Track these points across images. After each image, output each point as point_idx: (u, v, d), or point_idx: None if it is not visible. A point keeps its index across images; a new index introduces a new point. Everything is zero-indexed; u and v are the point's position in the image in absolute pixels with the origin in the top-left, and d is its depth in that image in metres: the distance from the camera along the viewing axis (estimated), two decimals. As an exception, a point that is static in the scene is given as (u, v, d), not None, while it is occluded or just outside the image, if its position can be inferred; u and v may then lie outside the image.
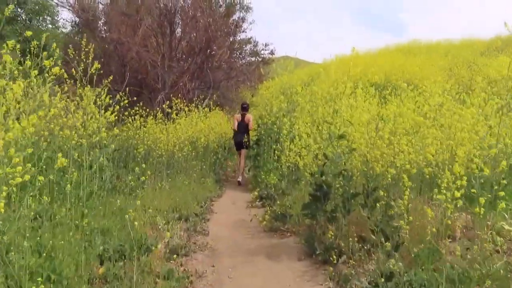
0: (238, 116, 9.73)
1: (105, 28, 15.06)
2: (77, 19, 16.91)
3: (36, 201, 4.38)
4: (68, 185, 4.79)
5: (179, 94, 12.79)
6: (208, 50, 14.37)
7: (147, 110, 8.33)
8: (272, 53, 20.57)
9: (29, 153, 3.33)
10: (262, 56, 20.14)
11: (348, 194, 4.19)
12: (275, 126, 8.28)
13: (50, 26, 12.70)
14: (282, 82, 9.04)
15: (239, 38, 19.10)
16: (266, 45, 20.47)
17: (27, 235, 3.90)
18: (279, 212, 5.13)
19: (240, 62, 18.38)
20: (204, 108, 11.32)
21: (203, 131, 9.35)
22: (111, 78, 6.23)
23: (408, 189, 3.50)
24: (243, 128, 9.55)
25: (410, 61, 14.02)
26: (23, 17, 10.91)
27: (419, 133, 4.48)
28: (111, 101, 6.40)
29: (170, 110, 8.40)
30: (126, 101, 6.24)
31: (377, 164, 4.10)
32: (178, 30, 14.85)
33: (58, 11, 16.28)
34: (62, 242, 3.93)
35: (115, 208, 5.52)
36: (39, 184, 4.60)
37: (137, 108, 8.06)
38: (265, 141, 8.53)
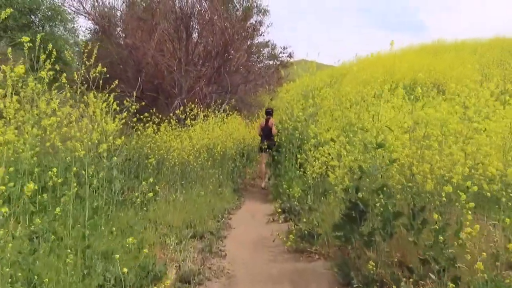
0: (262, 121, 9.58)
1: (122, 34, 14.67)
2: (94, 26, 16.69)
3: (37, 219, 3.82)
4: (67, 201, 4.29)
5: (195, 99, 12.26)
6: (225, 54, 13.81)
7: (160, 116, 7.75)
8: (290, 56, 19.95)
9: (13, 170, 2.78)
10: (280, 59, 19.56)
11: (389, 214, 3.49)
12: (296, 131, 7.60)
13: (63, 32, 12.35)
14: (303, 84, 8.36)
15: (256, 42, 18.58)
16: (284, 48, 19.86)
17: (19, 261, 3.36)
18: (305, 231, 4.44)
19: (258, 65, 17.79)
20: (221, 113, 10.74)
21: (220, 138, 8.74)
22: (116, 82, 5.70)
23: (470, 211, 2.79)
24: (267, 132, 9.24)
25: (437, 60, 13.15)
26: (36, 23, 10.56)
27: (471, 140, 3.74)
28: (118, 108, 5.88)
29: (184, 116, 7.78)
30: (134, 107, 5.67)
31: (424, 178, 3.39)
32: (195, 34, 14.36)
33: (73, 17, 16.02)
34: (57, 271, 3.37)
35: (123, 225, 4.95)
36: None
37: (149, 114, 7.54)
38: (286, 147, 7.86)
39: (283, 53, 19.92)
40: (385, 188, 3.46)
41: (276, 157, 8.42)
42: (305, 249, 4.43)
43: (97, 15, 13.87)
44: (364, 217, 3.65)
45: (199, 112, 9.97)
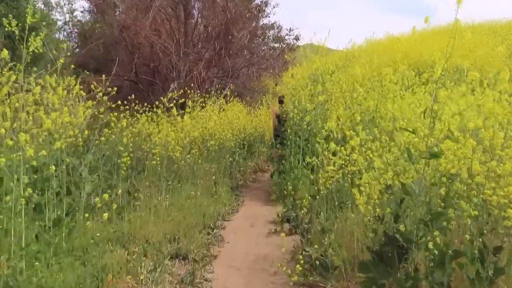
0: (276, 109, 8.64)
1: (116, 12, 13.38)
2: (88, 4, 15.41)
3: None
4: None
5: (191, 84, 11.04)
6: (227, 35, 12.50)
7: (147, 104, 6.56)
8: (297, 38, 18.50)
9: None
10: (287, 42, 18.17)
11: (444, 254, 2.32)
12: (304, 123, 6.39)
13: (40, 6, 10.95)
14: (311, 67, 7.12)
15: (261, 24, 17.19)
16: (290, 30, 18.41)
17: None
18: (316, 261, 3.28)
19: (263, 48, 16.46)
20: (220, 100, 9.54)
21: (216, 128, 7.55)
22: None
23: None
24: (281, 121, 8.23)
25: (457, 43, 11.71)
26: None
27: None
28: (85, 94, 4.69)
29: (173, 104, 6.56)
30: (100, 92, 4.50)
31: (500, 204, 2.20)
32: (194, 13, 13.05)
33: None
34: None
35: (86, 242, 3.84)
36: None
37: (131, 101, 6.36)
38: (292, 140, 6.67)
39: (290, 35, 18.53)
40: (442, 218, 2.28)
41: (280, 150, 7.23)
42: (316, 284, 3.28)
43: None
44: (405, 257, 2.48)
45: (195, 99, 8.79)
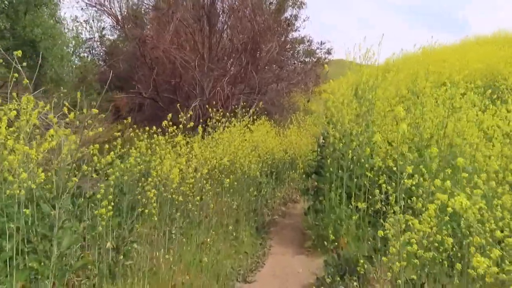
0: None
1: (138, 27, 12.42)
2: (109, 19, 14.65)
3: None
4: None
5: (214, 102, 9.81)
6: (255, 49, 11.24)
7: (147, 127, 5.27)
8: (329, 52, 17.12)
9: None
10: (318, 56, 16.79)
11: None
12: (349, 151, 4.93)
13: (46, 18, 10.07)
14: (351, 81, 5.67)
15: (291, 38, 15.93)
16: (322, 43, 17.10)
17: None
18: None
19: (293, 62, 15.14)
20: (245, 119, 8.20)
21: (238, 153, 6.18)
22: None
23: None
24: None
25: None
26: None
27: None
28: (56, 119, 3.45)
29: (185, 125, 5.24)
30: (70, 117, 3.27)
31: None
32: (219, 25, 11.88)
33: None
34: None
35: None
36: None
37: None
38: (332, 171, 5.21)
39: (321, 49, 17.19)
40: None
41: (316, 182, 5.77)
42: None
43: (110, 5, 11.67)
44: None
45: (217, 118, 7.53)
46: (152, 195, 3.47)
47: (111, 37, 16.79)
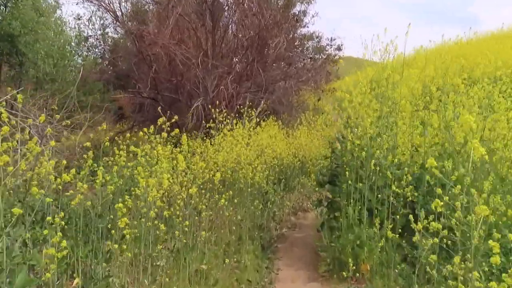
0: None
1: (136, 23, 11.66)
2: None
3: None
4: None
5: (218, 101, 9.03)
6: (261, 45, 10.41)
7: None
8: (339, 48, 16.24)
9: None
10: (328, 52, 15.90)
11: None
12: (371, 160, 4.09)
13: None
14: (376, 76, 4.81)
15: (299, 34, 15.08)
16: (332, 40, 16.23)
17: None
18: None
19: (302, 59, 14.28)
20: (251, 121, 7.40)
21: (242, 160, 5.38)
22: None
23: None
24: None
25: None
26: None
27: None
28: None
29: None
30: None
31: None
32: (223, 19, 11.07)
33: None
34: None
35: None
36: None
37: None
38: (350, 183, 4.38)
39: (331, 45, 16.30)
40: None
41: (330, 193, 4.93)
42: None
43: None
44: None
45: (219, 119, 6.79)
46: (123, 224, 2.68)
47: (114, 35, 16.13)
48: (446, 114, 4.41)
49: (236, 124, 6.78)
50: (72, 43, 17.37)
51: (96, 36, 16.14)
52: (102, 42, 16.57)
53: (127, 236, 2.83)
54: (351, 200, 4.42)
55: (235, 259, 4.24)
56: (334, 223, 4.54)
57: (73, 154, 7.35)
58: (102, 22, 16.29)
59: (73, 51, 17.34)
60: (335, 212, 4.71)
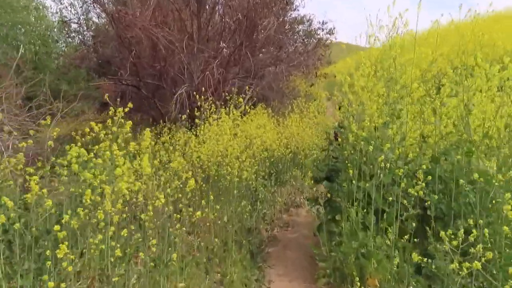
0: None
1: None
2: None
3: None
4: None
5: (204, 88, 8.27)
6: (250, 27, 9.59)
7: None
8: (331, 32, 15.47)
9: None
10: (319, 36, 15.11)
11: None
12: (380, 156, 3.41)
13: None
14: (381, 56, 4.10)
15: (290, 18, 14.24)
16: (323, 23, 15.41)
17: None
18: None
19: (293, 43, 13.48)
20: (239, 108, 6.68)
21: (229, 154, 4.67)
22: None
23: None
24: None
25: None
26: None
27: None
28: None
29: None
30: None
31: None
32: (209, 0, 10.20)
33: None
34: None
35: None
36: None
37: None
38: (351, 179, 3.71)
39: (322, 29, 15.50)
40: None
41: (329, 192, 4.25)
42: None
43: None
44: None
45: (205, 107, 6.12)
46: (62, 254, 1.95)
47: (97, 20, 15.11)
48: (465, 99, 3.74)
49: (223, 112, 6.06)
50: (55, 29, 16.33)
51: (78, 21, 15.12)
52: (85, 27, 15.55)
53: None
54: (354, 201, 3.76)
55: (219, 274, 3.56)
56: (334, 227, 3.87)
57: (43, 149, 6.59)
58: (83, 5, 15.25)
59: (55, 37, 16.31)
60: (334, 214, 4.04)
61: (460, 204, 3.66)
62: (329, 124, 8.90)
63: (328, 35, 15.21)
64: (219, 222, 4.43)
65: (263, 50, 10.03)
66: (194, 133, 5.89)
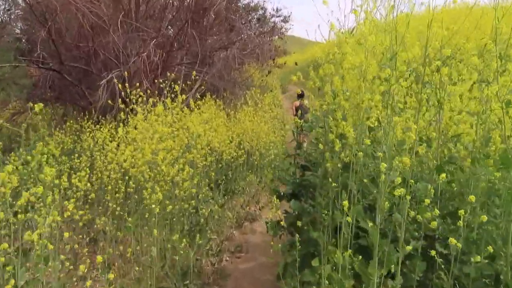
0: (297, 102, 8.20)
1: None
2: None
3: None
4: None
5: (142, 74, 6.72)
6: (196, 4, 8.05)
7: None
8: (286, 20, 14.31)
9: None
10: (273, 24, 13.85)
11: None
12: (370, 165, 2.16)
13: None
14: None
15: (242, 3, 12.80)
16: (277, 10, 14.20)
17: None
18: None
19: (247, 28, 12.08)
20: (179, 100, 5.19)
21: (161, 158, 3.24)
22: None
23: None
24: (305, 111, 7.18)
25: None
26: None
27: None
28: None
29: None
30: None
31: None
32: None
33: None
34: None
35: None
36: None
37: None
38: (331, 206, 2.45)
39: (277, 16, 14.28)
40: None
41: (298, 216, 2.96)
42: None
43: None
44: None
45: (132, 98, 4.63)
46: None
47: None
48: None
49: (158, 104, 4.60)
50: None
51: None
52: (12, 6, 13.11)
53: None
54: (337, 231, 2.50)
55: None
56: (308, 275, 2.57)
57: None
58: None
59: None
60: (307, 250, 2.75)
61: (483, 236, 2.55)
62: (288, 119, 7.67)
63: (283, 23, 14.06)
64: (143, 259, 3.00)
65: (214, 30, 8.55)
66: (116, 131, 4.38)
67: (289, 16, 13.97)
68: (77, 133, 6.02)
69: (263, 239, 4.71)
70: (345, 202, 2.04)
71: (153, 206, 2.98)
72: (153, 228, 3.12)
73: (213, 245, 3.93)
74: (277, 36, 12.56)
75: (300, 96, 8.11)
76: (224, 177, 5.01)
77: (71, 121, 6.15)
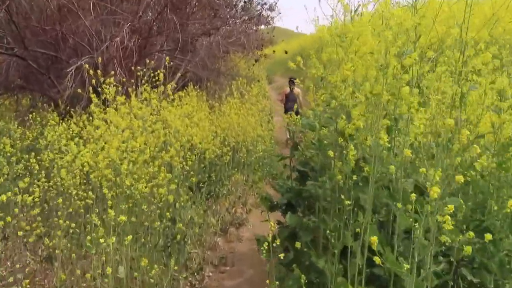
0: (287, 89, 8.26)
1: None
2: None
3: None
4: None
5: (115, 62, 6.06)
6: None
7: None
8: (272, 8, 13.67)
9: None
10: (258, 12, 13.20)
11: None
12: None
13: None
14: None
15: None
16: (263, -3, 13.55)
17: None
18: None
19: (232, 16, 11.41)
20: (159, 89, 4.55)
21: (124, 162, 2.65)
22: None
23: None
24: (293, 98, 7.79)
25: None
26: None
27: None
28: None
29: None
30: None
31: None
32: None
33: None
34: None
35: None
36: None
37: None
38: (339, 230, 1.93)
39: (262, 4, 13.63)
40: None
41: (295, 235, 2.43)
42: None
43: None
44: None
45: (104, 89, 4.02)
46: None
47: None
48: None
49: (132, 96, 4.04)
50: None
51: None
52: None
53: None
54: (343, 258, 1.98)
55: None
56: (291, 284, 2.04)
57: None
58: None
59: None
60: (308, 276, 2.22)
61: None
62: (277, 110, 7.13)
63: (269, 12, 13.44)
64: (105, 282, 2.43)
65: (196, 16, 7.86)
66: (84, 125, 3.75)
67: (275, 4, 13.35)
68: (43, 127, 5.33)
69: (250, 247, 4.18)
70: (374, 238, 1.50)
71: (119, 218, 2.41)
72: (121, 243, 2.56)
73: (194, 259, 3.37)
74: (263, 26, 11.98)
75: (292, 82, 7.89)
76: (207, 178, 4.44)
77: (34, 114, 5.45)
